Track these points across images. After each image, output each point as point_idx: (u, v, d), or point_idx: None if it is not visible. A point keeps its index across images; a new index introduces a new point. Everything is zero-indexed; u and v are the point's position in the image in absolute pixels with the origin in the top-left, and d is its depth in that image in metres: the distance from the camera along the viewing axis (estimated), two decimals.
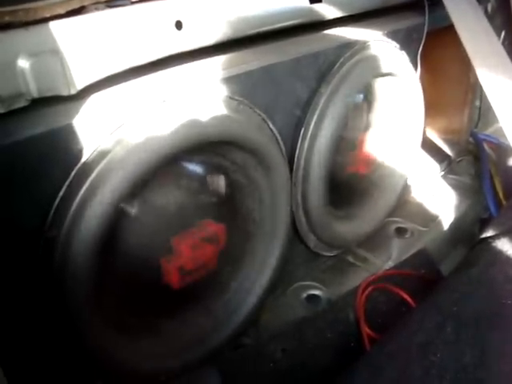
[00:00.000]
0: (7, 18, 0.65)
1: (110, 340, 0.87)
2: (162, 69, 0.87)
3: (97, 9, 0.76)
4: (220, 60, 0.95)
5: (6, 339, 0.72)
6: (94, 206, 0.73)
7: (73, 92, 0.73)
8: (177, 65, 0.90)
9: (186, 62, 0.91)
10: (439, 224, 1.48)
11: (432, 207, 1.54)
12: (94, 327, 0.81)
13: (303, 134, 1.07)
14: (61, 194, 0.72)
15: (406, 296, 1.10)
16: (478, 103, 1.81)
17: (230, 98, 0.90)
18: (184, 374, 0.98)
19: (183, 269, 0.95)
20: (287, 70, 1.00)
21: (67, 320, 0.77)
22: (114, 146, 0.75)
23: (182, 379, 0.97)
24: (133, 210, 0.88)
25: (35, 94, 0.71)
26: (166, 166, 0.82)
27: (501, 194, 1.53)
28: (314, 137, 1.07)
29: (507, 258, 1.00)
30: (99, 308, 0.82)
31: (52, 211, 0.72)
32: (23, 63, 0.69)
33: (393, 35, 1.25)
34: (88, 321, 0.80)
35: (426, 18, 1.34)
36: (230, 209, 1.05)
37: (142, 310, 0.95)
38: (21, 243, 0.70)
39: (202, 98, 0.86)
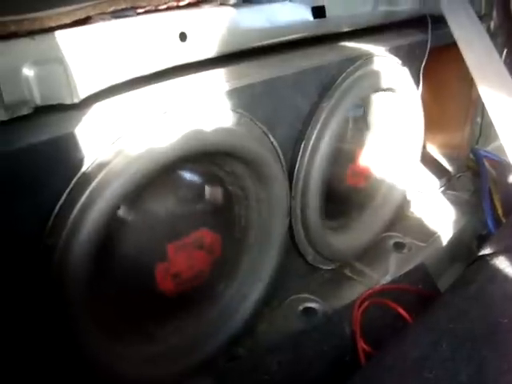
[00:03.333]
0: (13, 28, 0.66)
1: (105, 346, 0.87)
2: (164, 80, 0.88)
3: (102, 19, 0.77)
4: (222, 72, 0.95)
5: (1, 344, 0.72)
6: (93, 215, 0.73)
7: (76, 101, 0.74)
8: (180, 76, 0.90)
9: (189, 74, 0.92)
10: (437, 240, 1.48)
11: (431, 223, 1.54)
12: (89, 333, 0.82)
13: (304, 147, 1.07)
14: (61, 202, 0.72)
15: (402, 311, 1.10)
16: (479, 120, 1.82)
17: (232, 110, 0.90)
18: (178, 382, 0.98)
19: (178, 276, 0.96)
20: (289, 83, 1.00)
21: (63, 326, 0.77)
22: (115, 157, 0.75)
23: None
24: (130, 218, 0.89)
25: (39, 101, 0.71)
26: (165, 175, 0.83)
27: (500, 212, 1.53)
28: (315, 150, 1.08)
29: (505, 276, 1.00)
30: (95, 314, 0.82)
31: (51, 219, 0.72)
32: (28, 71, 0.69)
33: (395, 51, 1.26)
34: (84, 327, 0.80)
35: (429, 34, 1.35)
36: (227, 219, 1.05)
37: (136, 316, 0.95)
38: (20, 249, 0.70)
39: (204, 109, 0.86)
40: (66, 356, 0.79)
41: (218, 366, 1.03)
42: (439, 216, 1.58)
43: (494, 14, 1.68)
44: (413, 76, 1.32)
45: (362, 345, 1.04)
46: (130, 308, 0.93)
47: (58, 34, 0.71)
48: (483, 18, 1.57)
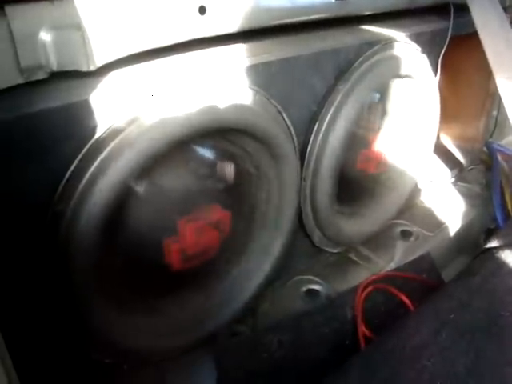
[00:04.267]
0: None
1: (109, 315, 0.88)
2: (182, 52, 0.87)
3: None
4: (240, 48, 0.95)
5: (6, 309, 0.73)
6: (103, 184, 0.73)
7: (92, 68, 0.73)
8: (197, 49, 0.90)
9: (207, 48, 0.91)
10: (445, 230, 1.48)
11: (439, 213, 1.54)
12: (94, 301, 0.83)
13: (317, 129, 1.07)
14: (72, 168, 0.72)
15: (405, 299, 1.10)
16: (494, 113, 1.80)
17: (247, 87, 0.90)
18: (179, 356, 0.99)
19: (185, 251, 0.96)
20: (306, 63, 1.00)
21: (68, 292, 0.78)
22: (128, 126, 0.76)
23: (176, 362, 0.99)
24: (141, 189, 0.89)
25: (55, 67, 0.72)
26: (177, 148, 0.83)
27: (509, 206, 1.52)
28: (328, 133, 1.07)
29: (510, 269, 1.00)
30: (100, 283, 0.83)
31: (62, 185, 0.72)
32: (45, 36, 0.69)
33: (415, 37, 1.24)
34: (88, 294, 0.81)
35: (451, 22, 1.33)
36: (237, 196, 1.05)
37: (141, 288, 0.96)
38: (29, 214, 0.71)
39: (219, 84, 0.86)
40: (69, 321, 0.80)
41: (219, 341, 1.04)
42: (449, 207, 1.58)
43: None
44: (431, 64, 1.31)
45: (362, 329, 1.04)
46: (136, 279, 0.94)
47: None
48: (508, 9, 1.54)
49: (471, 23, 1.22)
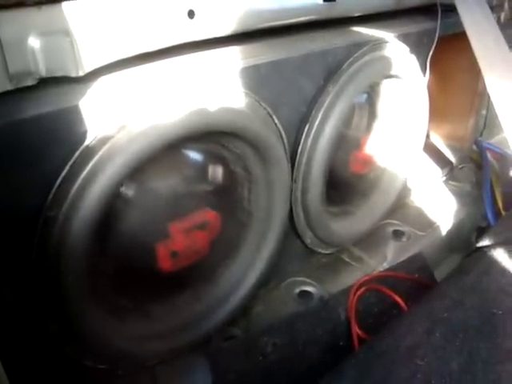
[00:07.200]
0: None
1: (102, 320, 0.87)
2: (171, 57, 0.87)
3: None
4: (229, 52, 0.95)
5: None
6: (95, 189, 0.73)
7: (81, 74, 0.73)
8: (186, 54, 0.90)
9: (196, 52, 0.91)
10: (437, 230, 1.48)
11: (431, 212, 1.55)
12: (86, 306, 0.82)
13: (307, 130, 1.07)
14: (63, 174, 0.72)
15: (398, 299, 1.10)
16: (484, 112, 1.81)
17: (237, 90, 0.90)
18: (173, 359, 0.99)
19: (176, 254, 0.96)
20: (296, 65, 1.00)
21: (60, 297, 0.77)
22: (118, 131, 0.75)
23: (171, 365, 0.99)
24: (132, 194, 0.89)
25: (44, 73, 0.71)
26: (167, 152, 0.83)
27: (500, 204, 1.53)
28: (318, 134, 1.07)
29: (502, 268, 1.00)
30: (93, 287, 0.82)
31: (53, 191, 0.72)
32: (34, 42, 0.69)
33: (404, 38, 1.25)
34: (81, 299, 0.80)
35: (439, 23, 1.34)
36: (227, 198, 1.05)
37: (133, 292, 0.95)
38: (21, 220, 0.71)
39: (209, 88, 0.86)
40: (62, 327, 0.80)
41: (212, 344, 1.04)
42: (439, 206, 1.58)
43: (506, 5, 1.66)
44: (420, 64, 1.32)
45: (356, 330, 1.04)
46: (129, 284, 0.94)
47: (66, 4, 0.70)
48: (494, 8, 1.55)
49: (459, 23, 1.23)
